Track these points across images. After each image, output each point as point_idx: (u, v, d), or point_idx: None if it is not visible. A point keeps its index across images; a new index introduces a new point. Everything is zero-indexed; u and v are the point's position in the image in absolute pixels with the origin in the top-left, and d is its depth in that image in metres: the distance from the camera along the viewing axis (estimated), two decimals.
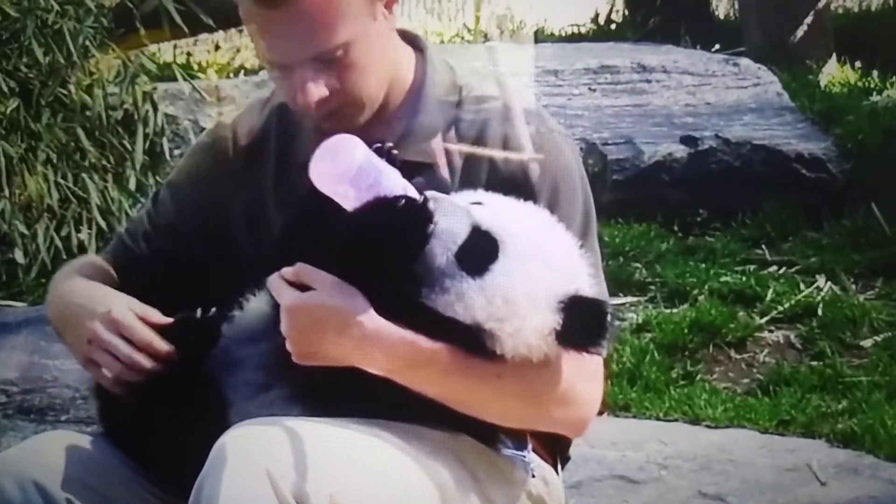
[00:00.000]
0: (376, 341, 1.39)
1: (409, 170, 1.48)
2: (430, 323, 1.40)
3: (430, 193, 1.42)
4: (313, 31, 1.44)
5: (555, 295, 1.41)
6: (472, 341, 1.41)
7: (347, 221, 1.40)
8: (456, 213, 1.42)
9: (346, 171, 1.39)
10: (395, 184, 1.42)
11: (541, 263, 1.42)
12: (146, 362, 1.45)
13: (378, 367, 1.41)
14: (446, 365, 1.41)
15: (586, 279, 1.44)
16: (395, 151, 1.45)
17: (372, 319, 1.39)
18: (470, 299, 1.39)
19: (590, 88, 4.62)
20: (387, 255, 1.39)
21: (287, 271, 1.40)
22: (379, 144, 1.44)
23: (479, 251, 1.41)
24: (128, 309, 1.46)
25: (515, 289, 1.40)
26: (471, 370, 1.42)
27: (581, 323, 1.41)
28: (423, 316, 1.40)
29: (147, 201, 1.66)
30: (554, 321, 1.40)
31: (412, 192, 1.42)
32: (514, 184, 1.51)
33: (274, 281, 1.41)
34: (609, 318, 1.41)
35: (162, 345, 1.45)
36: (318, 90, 1.46)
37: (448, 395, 1.43)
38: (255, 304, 1.49)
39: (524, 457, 1.53)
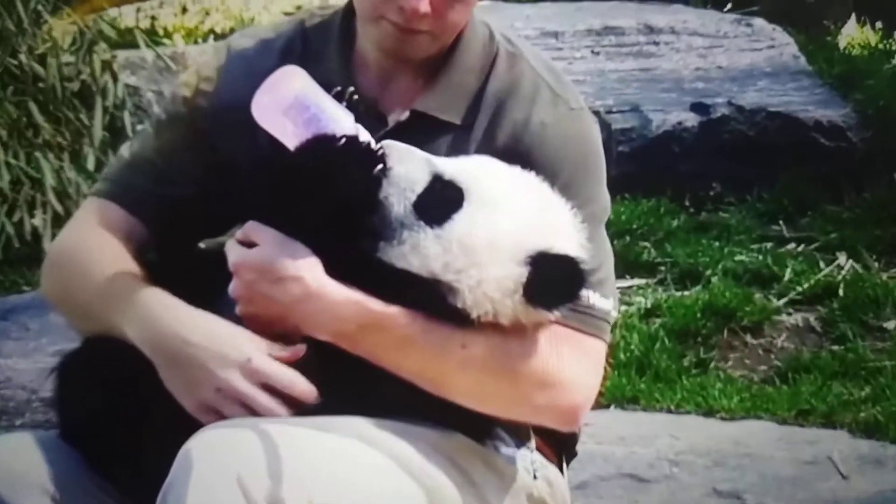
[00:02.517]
0: (319, 300, 1.38)
1: (437, 129, 1.50)
2: (387, 279, 1.39)
3: (386, 141, 1.41)
4: None
5: (522, 248, 1.39)
6: (431, 297, 1.39)
7: (284, 161, 1.38)
8: (413, 161, 1.41)
9: (281, 101, 1.39)
10: (342, 124, 1.40)
11: (508, 214, 1.40)
12: (286, 410, 1.40)
13: (323, 330, 1.40)
14: (401, 329, 1.39)
15: (567, 240, 1.42)
16: (356, 97, 1.44)
17: (316, 277, 1.39)
18: (425, 248, 1.39)
19: (592, 52, 4.59)
20: (327, 198, 1.38)
21: (238, 231, 1.41)
22: (339, 88, 1.44)
23: (440, 199, 1.40)
24: (264, 353, 1.41)
25: (475, 236, 1.39)
26: (431, 337, 1.40)
27: (549, 279, 1.39)
28: (377, 271, 1.39)
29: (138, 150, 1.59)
30: (518, 275, 1.39)
31: (364, 136, 1.40)
32: (532, 156, 1.50)
33: (228, 243, 1.42)
34: (581, 274, 1.39)
35: (304, 385, 1.40)
36: (428, 3, 1.47)
37: (407, 366, 1.41)
38: None
39: (525, 456, 1.51)
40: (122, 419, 1.44)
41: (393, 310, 1.40)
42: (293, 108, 1.39)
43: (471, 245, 1.39)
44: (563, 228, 1.43)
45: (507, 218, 1.40)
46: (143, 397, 1.43)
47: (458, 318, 1.40)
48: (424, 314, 1.40)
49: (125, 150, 1.61)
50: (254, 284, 1.40)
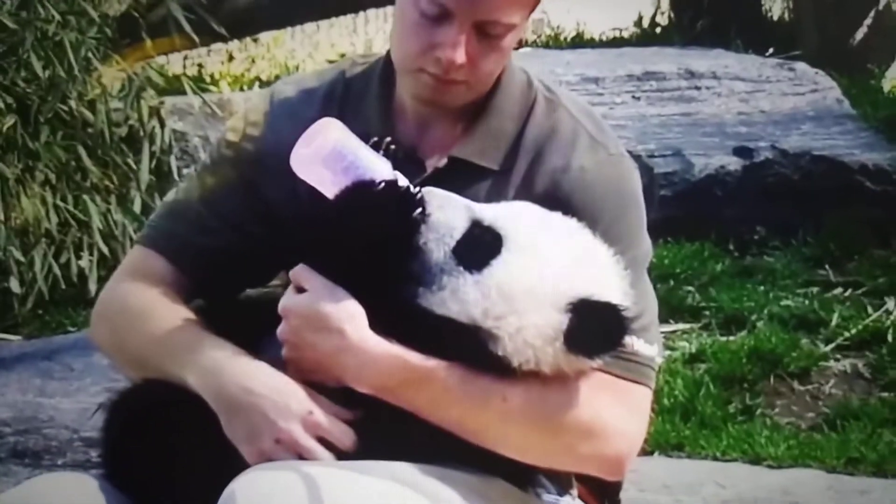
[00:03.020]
0: (359, 353, 1.38)
1: (475, 174, 1.50)
2: (427, 325, 1.38)
3: (425, 188, 1.41)
4: None
5: (562, 294, 1.37)
6: (471, 343, 1.37)
7: (323, 209, 1.38)
8: (452, 206, 1.40)
9: (318, 151, 1.40)
10: (379, 172, 1.40)
11: (548, 260, 1.39)
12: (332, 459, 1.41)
13: (364, 384, 1.39)
14: (441, 383, 1.38)
15: (609, 287, 1.39)
16: (393, 146, 1.44)
17: (358, 330, 1.38)
18: (464, 294, 1.37)
19: (633, 96, 4.57)
20: (366, 245, 1.38)
21: (291, 272, 1.41)
22: (376, 138, 1.44)
23: (479, 245, 1.39)
24: (321, 408, 1.41)
25: (514, 282, 1.37)
26: (471, 390, 1.39)
27: (590, 326, 1.37)
28: (418, 317, 1.38)
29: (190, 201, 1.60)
30: (559, 322, 1.36)
31: (402, 182, 1.41)
32: (572, 202, 1.48)
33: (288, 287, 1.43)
34: (624, 322, 1.37)
35: (353, 439, 1.41)
36: (464, 54, 1.47)
37: (448, 419, 1.40)
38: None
39: (567, 503, 1.49)
40: (167, 460, 1.43)
41: (433, 363, 1.39)
42: (331, 157, 1.41)
43: (510, 292, 1.37)
44: (605, 274, 1.41)
45: (547, 264, 1.39)
46: (189, 438, 1.43)
47: (499, 367, 1.38)
48: (465, 367, 1.39)
49: (171, 195, 1.62)
50: (299, 330, 1.40)
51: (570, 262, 1.39)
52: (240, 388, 1.41)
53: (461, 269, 1.38)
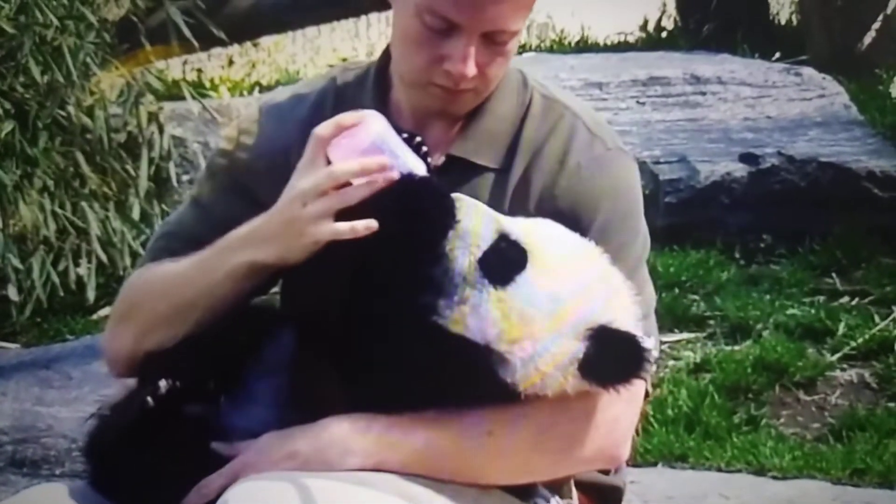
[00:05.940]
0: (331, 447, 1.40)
1: (473, 172, 1.51)
2: (438, 343, 1.36)
3: (455, 194, 1.41)
4: (513, 7, 1.48)
5: (581, 320, 1.37)
6: (480, 367, 1.36)
7: (363, 206, 1.37)
8: (480, 215, 1.40)
9: (359, 144, 1.40)
10: (416, 170, 1.40)
11: (571, 285, 1.38)
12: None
13: (343, 468, 1.40)
14: (422, 453, 1.40)
15: (626, 314, 1.40)
16: (425, 147, 1.45)
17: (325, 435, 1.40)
18: (485, 311, 1.36)
19: (638, 102, 4.58)
20: (396, 244, 1.36)
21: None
22: (406, 134, 1.45)
23: (505, 259, 1.37)
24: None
25: (535, 303, 1.36)
26: (456, 445, 1.40)
27: (609, 355, 1.36)
28: (430, 334, 1.36)
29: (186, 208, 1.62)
30: (576, 349, 1.36)
31: (438, 184, 1.41)
32: (569, 197, 1.50)
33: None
34: (642, 354, 1.37)
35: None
36: (474, 66, 1.49)
37: (440, 476, 1.41)
38: (285, 336, 1.48)
39: None
40: (157, 470, 1.43)
41: (410, 436, 1.39)
42: (369, 151, 1.40)
43: (529, 314, 1.36)
44: (621, 300, 1.40)
45: (568, 287, 1.38)
46: (180, 448, 1.43)
47: (504, 393, 1.37)
48: (443, 418, 1.39)
49: (165, 220, 1.65)
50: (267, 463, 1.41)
51: (589, 286, 1.39)
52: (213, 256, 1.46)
53: (485, 282, 1.36)
